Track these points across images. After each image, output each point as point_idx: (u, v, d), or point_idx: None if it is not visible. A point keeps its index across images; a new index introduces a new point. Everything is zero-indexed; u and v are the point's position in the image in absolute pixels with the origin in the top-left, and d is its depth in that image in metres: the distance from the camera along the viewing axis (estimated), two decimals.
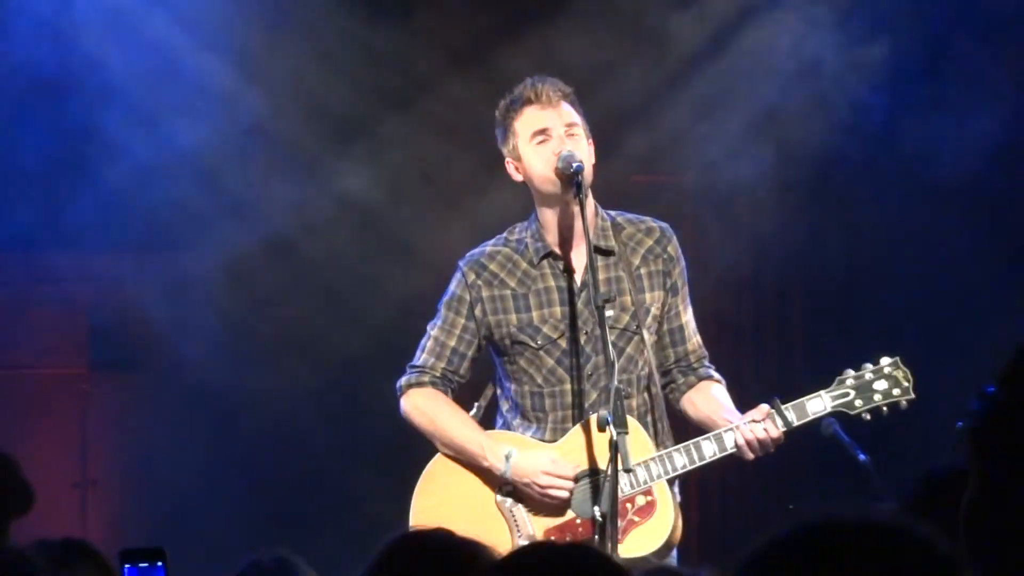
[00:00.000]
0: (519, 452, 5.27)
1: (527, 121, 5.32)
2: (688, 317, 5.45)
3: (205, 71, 7.87)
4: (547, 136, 5.29)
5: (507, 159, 5.39)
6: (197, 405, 8.08)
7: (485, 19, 8.15)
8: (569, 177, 5.20)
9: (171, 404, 8.13)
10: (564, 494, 5.23)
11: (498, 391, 5.52)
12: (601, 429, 4.96)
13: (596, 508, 5.10)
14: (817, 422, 5.32)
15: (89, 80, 7.74)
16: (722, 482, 8.25)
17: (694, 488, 8.25)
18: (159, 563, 2.94)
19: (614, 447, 4.88)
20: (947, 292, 8.05)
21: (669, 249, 5.42)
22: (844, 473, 6.41)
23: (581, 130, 5.32)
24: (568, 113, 5.32)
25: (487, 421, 5.48)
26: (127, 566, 2.90)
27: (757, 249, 8.44)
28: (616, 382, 4.95)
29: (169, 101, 7.86)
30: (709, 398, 5.41)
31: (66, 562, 2.99)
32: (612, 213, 5.45)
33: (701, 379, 5.44)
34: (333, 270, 8.19)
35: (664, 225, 5.46)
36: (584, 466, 5.25)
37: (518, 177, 5.38)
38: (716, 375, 5.47)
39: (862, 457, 6.26)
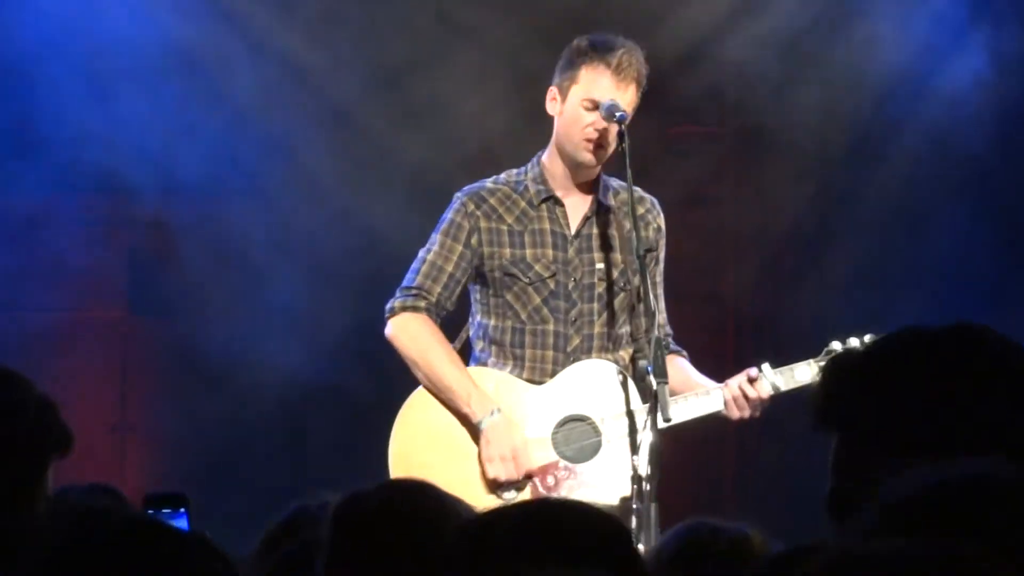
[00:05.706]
0: (503, 416, 5.34)
1: (594, 82, 5.39)
2: (661, 292, 5.56)
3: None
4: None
5: (554, 88, 5.47)
6: (235, 352, 8.06)
7: None
8: (615, 134, 5.33)
9: (210, 349, 8.11)
10: (495, 475, 5.31)
11: (472, 331, 5.60)
12: (641, 379, 5.10)
13: (635, 462, 5.10)
14: (801, 390, 5.25)
15: None
16: (759, 436, 8.22)
17: (732, 443, 8.21)
18: (182, 509, 2.92)
19: (654, 396, 4.98)
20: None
21: (659, 220, 5.59)
22: None
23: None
24: (629, 102, 5.38)
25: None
26: (149, 512, 2.89)
27: (796, 198, 8.37)
28: (656, 332, 5.05)
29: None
30: (679, 367, 5.49)
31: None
32: (607, 176, 5.57)
33: (668, 352, 5.45)
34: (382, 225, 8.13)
35: (653, 198, 5.62)
36: (568, 412, 5.37)
37: (551, 109, 5.47)
38: (682, 350, 5.58)
39: None
